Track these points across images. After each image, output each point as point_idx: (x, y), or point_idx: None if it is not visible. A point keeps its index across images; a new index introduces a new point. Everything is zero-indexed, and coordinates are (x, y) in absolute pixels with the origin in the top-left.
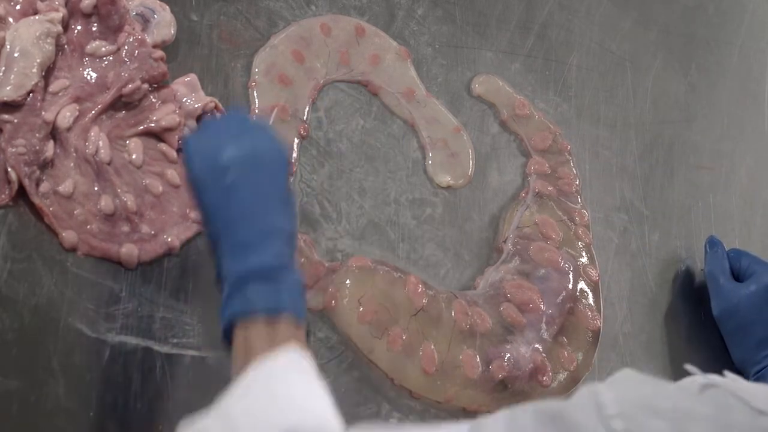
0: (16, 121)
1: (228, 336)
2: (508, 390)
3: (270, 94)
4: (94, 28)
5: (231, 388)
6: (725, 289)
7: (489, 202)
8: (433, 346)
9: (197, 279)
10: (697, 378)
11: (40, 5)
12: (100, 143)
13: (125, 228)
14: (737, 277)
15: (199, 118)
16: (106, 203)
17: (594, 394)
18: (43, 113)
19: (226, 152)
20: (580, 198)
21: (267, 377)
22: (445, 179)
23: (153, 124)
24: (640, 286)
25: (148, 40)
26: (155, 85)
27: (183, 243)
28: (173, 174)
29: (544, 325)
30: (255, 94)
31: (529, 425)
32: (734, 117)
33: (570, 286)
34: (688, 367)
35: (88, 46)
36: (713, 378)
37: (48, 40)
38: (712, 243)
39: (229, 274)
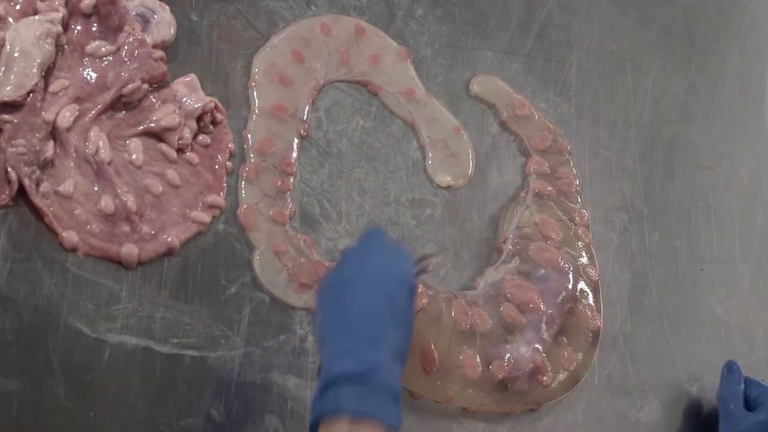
0: (16, 121)
1: (314, 431)
2: (508, 390)
3: (270, 94)
4: (94, 28)
5: None
6: (734, 415)
7: (489, 202)
8: (433, 346)
9: (197, 279)
10: None
11: (40, 5)
12: (100, 143)
13: (125, 228)
14: (747, 404)
15: (199, 119)
16: (106, 203)
17: None
18: (43, 113)
19: (348, 267)
20: (580, 198)
21: None
22: (445, 179)
23: (153, 124)
24: (640, 286)
25: (148, 40)
26: (155, 85)
27: (183, 243)
28: (173, 174)
29: (544, 325)
30: (255, 94)
31: None
32: (734, 117)
33: (570, 286)
34: None
35: (88, 46)
36: None
37: (48, 40)
38: (730, 368)
39: (325, 373)
